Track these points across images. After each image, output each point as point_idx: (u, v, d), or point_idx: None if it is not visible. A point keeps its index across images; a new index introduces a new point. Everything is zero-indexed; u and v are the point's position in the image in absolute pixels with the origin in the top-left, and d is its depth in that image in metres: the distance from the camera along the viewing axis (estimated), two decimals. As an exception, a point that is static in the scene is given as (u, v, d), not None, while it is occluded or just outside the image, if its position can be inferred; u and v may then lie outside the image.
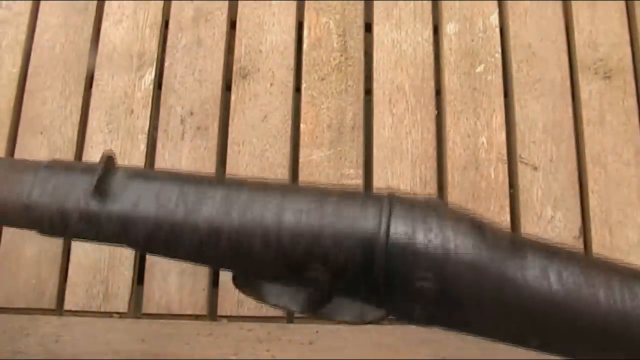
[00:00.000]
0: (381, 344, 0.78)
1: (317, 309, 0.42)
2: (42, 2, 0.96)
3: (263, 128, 0.88)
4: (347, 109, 0.90)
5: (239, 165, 0.87)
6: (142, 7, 0.95)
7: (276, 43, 0.93)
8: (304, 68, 0.92)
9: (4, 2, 0.96)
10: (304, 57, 0.92)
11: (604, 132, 0.88)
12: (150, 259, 0.84)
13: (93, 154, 0.88)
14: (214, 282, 0.84)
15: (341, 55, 0.92)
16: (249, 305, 0.82)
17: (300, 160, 0.87)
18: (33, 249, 0.84)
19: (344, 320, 0.43)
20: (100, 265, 0.83)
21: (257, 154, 0.87)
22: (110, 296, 0.82)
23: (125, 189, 0.37)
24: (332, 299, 0.41)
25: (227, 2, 0.95)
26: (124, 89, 0.91)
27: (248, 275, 0.39)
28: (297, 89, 0.91)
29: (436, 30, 0.93)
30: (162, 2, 0.96)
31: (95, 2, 0.96)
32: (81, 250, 0.84)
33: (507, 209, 0.85)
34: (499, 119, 0.89)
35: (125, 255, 0.84)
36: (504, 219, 0.85)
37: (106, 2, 0.96)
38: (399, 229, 0.35)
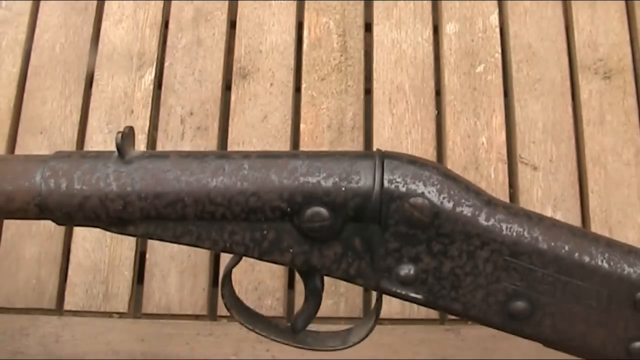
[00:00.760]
0: (381, 344, 0.78)
1: (296, 332, 0.44)
2: (42, 2, 0.96)
3: (263, 128, 0.88)
4: (347, 109, 0.90)
5: (239, 165, 0.87)
6: (142, 7, 0.95)
7: (276, 43, 0.93)
8: (304, 68, 0.92)
9: (3, 2, 0.96)
10: (304, 57, 0.92)
11: (604, 132, 0.88)
12: (150, 259, 0.84)
13: (93, 154, 0.88)
14: (214, 282, 0.84)
15: (341, 55, 0.92)
16: (249, 305, 0.81)
17: (300, 160, 0.87)
18: (33, 249, 0.84)
19: (327, 348, 0.44)
20: (100, 266, 0.83)
21: (257, 154, 0.87)
22: (110, 296, 0.82)
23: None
24: (310, 331, 0.44)
25: (227, 2, 0.95)
26: (124, 89, 0.91)
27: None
28: (297, 89, 0.91)
29: (436, 30, 0.93)
30: (162, 2, 0.96)
31: (95, 2, 0.96)
32: (81, 250, 0.84)
33: (507, 209, 0.85)
34: (499, 119, 0.89)
35: (125, 255, 0.84)
36: (504, 219, 0.84)
37: (106, 2, 0.96)
38: (394, 177, 0.41)
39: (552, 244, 0.41)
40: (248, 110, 0.89)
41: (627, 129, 0.88)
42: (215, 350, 0.80)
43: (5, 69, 0.93)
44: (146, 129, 0.89)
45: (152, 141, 0.89)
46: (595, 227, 0.84)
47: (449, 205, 0.41)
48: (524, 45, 0.92)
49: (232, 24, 0.95)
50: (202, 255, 0.84)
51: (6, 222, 0.86)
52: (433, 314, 0.80)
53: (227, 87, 0.91)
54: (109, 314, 0.82)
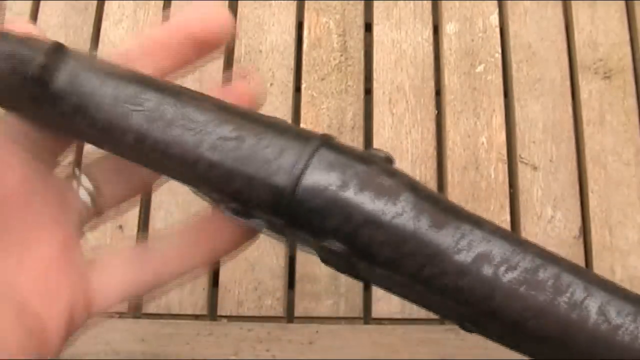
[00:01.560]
0: (381, 344, 0.78)
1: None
2: (42, 2, 0.96)
3: (263, 128, 0.88)
4: (347, 109, 0.90)
5: (239, 165, 0.87)
6: (142, 7, 0.95)
7: (276, 43, 0.93)
8: (304, 68, 0.92)
9: (3, 2, 0.96)
10: (304, 57, 0.92)
11: (604, 132, 0.88)
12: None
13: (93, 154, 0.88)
14: (214, 282, 0.84)
15: (341, 55, 0.92)
16: (249, 305, 0.82)
17: (300, 160, 0.87)
18: (33, 249, 0.84)
19: None
20: (100, 265, 0.83)
21: (257, 154, 0.87)
22: (110, 296, 0.82)
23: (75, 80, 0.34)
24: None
25: (227, 2, 0.95)
26: (124, 89, 0.91)
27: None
28: (297, 89, 0.91)
29: (436, 30, 0.93)
30: (162, 2, 0.96)
31: (95, 2, 0.96)
32: (81, 250, 0.84)
33: (507, 209, 0.85)
34: (499, 119, 0.89)
35: (125, 255, 0.84)
36: (504, 219, 0.85)
37: (106, 2, 0.96)
38: (314, 177, 0.30)
39: None
40: (248, 110, 0.89)
41: (627, 129, 0.88)
42: (215, 350, 0.80)
43: (5, 69, 0.93)
44: (146, 129, 0.89)
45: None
46: (595, 227, 0.84)
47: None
48: (524, 45, 0.92)
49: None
50: (202, 255, 0.83)
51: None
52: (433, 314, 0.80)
53: (227, 87, 0.91)
54: (108, 314, 0.82)
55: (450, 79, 0.91)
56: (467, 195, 0.85)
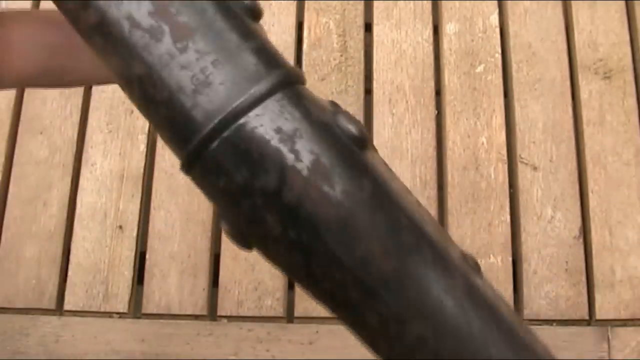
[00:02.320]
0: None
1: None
2: (42, 2, 0.96)
3: (263, 128, 0.88)
4: (347, 109, 0.90)
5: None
6: (142, 7, 0.95)
7: (276, 43, 0.92)
8: (304, 68, 0.92)
9: (3, 2, 0.96)
10: (304, 57, 0.92)
11: (604, 132, 0.88)
12: (150, 259, 0.84)
13: (93, 154, 0.88)
14: (214, 282, 0.84)
15: (341, 55, 0.92)
16: (249, 305, 0.82)
17: (300, 160, 0.87)
18: (33, 249, 0.84)
19: None
20: (100, 265, 0.83)
21: (257, 154, 0.87)
22: (110, 296, 0.82)
23: None
24: None
25: (227, 2, 0.95)
26: (124, 89, 0.91)
27: None
28: (297, 89, 0.91)
29: (436, 30, 0.93)
30: (162, 2, 0.95)
31: (95, 2, 0.96)
32: (81, 250, 0.84)
33: (507, 209, 0.85)
34: (499, 119, 0.89)
35: (125, 255, 0.84)
36: (504, 219, 0.85)
37: (106, 2, 0.96)
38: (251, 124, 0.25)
39: None
40: (248, 110, 0.89)
41: (627, 129, 0.88)
42: (215, 350, 0.80)
43: (5, 69, 0.92)
44: (146, 129, 0.89)
45: (152, 141, 0.89)
46: (595, 227, 0.84)
47: None
48: (524, 45, 0.92)
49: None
50: (202, 255, 0.84)
51: (6, 222, 0.86)
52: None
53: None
54: (109, 314, 0.82)
55: (450, 79, 0.91)
56: (467, 195, 0.85)
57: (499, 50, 0.92)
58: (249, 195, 0.25)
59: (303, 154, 0.25)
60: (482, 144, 0.87)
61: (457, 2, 0.94)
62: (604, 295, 0.82)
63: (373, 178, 0.26)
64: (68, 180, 0.87)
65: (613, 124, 0.88)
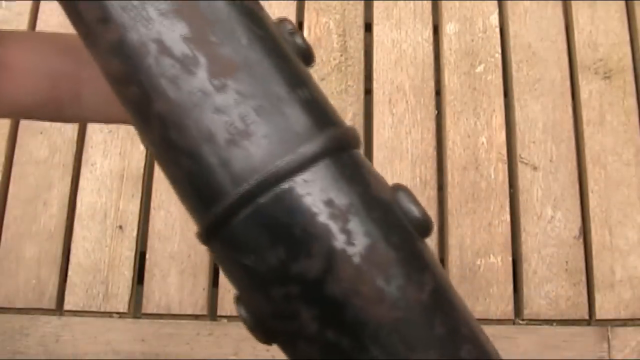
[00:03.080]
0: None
1: None
2: (42, 2, 0.96)
3: (263, 128, 0.88)
4: (347, 109, 0.90)
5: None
6: (142, 7, 0.95)
7: (276, 43, 0.93)
8: (304, 68, 0.92)
9: (4, 2, 0.96)
10: (304, 57, 0.92)
11: (604, 132, 0.88)
12: (150, 259, 0.84)
13: (93, 154, 0.88)
14: (214, 282, 0.84)
15: (341, 55, 0.92)
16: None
17: (300, 160, 0.87)
18: (33, 249, 0.84)
19: None
20: (100, 265, 0.83)
21: (257, 154, 0.87)
22: (110, 296, 0.82)
23: None
24: None
25: (227, 2, 0.95)
26: (124, 89, 0.91)
27: None
28: (297, 89, 0.91)
29: (436, 30, 0.93)
30: (162, 2, 0.95)
31: (95, 2, 0.96)
32: (81, 250, 0.84)
33: (507, 209, 0.85)
34: (499, 119, 0.89)
35: (125, 255, 0.84)
36: (504, 219, 0.85)
37: (106, 2, 0.96)
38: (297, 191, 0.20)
39: None
40: (248, 110, 0.89)
41: (627, 129, 0.88)
42: (215, 350, 0.80)
43: (5, 69, 0.92)
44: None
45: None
46: (595, 227, 0.84)
47: None
48: (524, 45, 0.92)
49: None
50: (202, 255, 0.84)
51: (6, 222, 0.86)
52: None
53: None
54: (109, 314, 0.82)
55: (450, 79, 0.91)
56: (467, 195, 0.85)
57: (499, 50, 0.92)
58: (283, 282, 0.20)
59: (357, 236, 0.20)
60: (482, 143, 0.87)
61: (457, 2, 0.94)
62: (604, 295, 0.82)
63: (433, 275, 0.21)
64: (68, 180, 0.87)
65: (613, 124, 0.88)
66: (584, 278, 0.83)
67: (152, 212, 0.85)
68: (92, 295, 0.82)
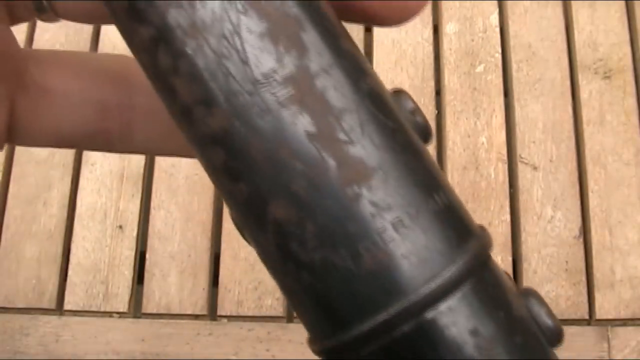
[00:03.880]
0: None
1: None
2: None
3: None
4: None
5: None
6: (142, 7, 0.95)
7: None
8: (304, 68, 0.92)
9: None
10: (304, 57, 0.92)
11: (604, 132, 0.88)
12: (150, 259, 0.84)
13: (93, 154, 0.88)
14: (214, 282, 0.84)
15: (341, 55, 0.92)
16: (249, 305, 0.82)
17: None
18: (33, 249, 0.84)
19: None
20: (100, 265, 0.83)
21: (257, 153, 0.87)
22: (110, 296, 0.82)
23: None
24: None
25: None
26: (124, 89, 0.91)
27: None
28: (297, 89, 0.91)
29: (436, 30, 0.93)
30: (162, 2, 0.95)
31: (95, 2, 0.96)
32: (81, 250, 0.84)
33: (507, 209, 0.85)
34: (499, 119, 0.89)
35: (125, 255, 0.84)
36: (504, 219, 0.85)
37: (106, 2, 0.96)
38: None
39: None
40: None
41: (627, 129, 0.88)
42: (215, 350, 0.80)
43: (5, 69, 0.93)
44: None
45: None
46: (595, 227, 0.84)
47: None
48: (524, 45, 0.92)
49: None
50: (202, 255, 0.84)
51: (6, 222, 0.86)
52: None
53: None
54: (109, 314, 0.82)
55: (450, 79, 0.91)
56: (467, 195, 0.85)
57: (499, 50, 0.92)
58: None
59: None
60: (482, 143, 0.87)
61: (457, 2, 0.94)
62: (604, 295, 0.82)
63: None
64: (68, 180, 0.87)
65: (613, 123, 0.88)
66: (584, 278, 0.83)
67: (152, 212, 0.86)
68: (92, 295, 0.83)
